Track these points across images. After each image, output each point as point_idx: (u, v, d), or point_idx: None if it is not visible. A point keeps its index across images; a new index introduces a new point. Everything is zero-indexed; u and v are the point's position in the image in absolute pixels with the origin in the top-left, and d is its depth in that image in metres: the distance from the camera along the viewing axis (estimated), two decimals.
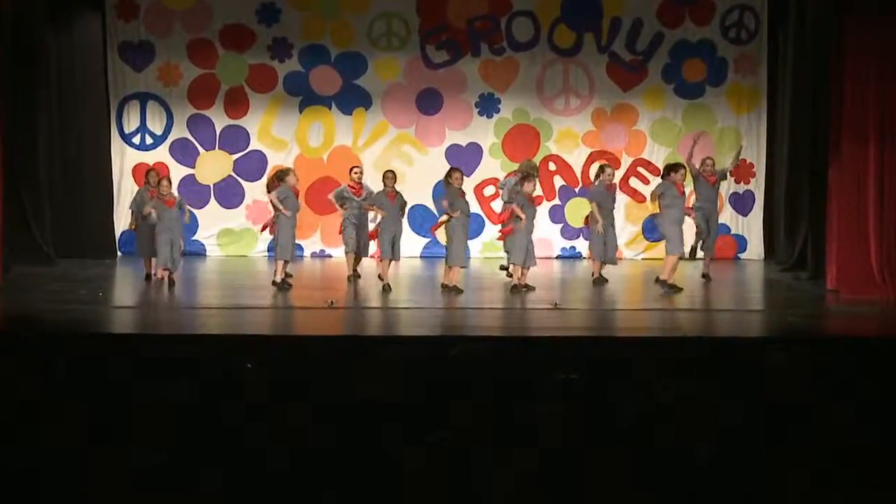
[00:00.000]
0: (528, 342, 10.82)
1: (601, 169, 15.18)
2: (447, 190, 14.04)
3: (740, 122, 18.41)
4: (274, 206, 14.20)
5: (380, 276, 14.12)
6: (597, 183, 15.09)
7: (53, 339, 10.19)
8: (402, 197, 14.61)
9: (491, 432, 6.21)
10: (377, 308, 13.23)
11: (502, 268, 15.35)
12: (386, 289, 13.88)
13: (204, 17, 18.04)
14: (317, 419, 6.33)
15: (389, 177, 14.52)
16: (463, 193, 14.06)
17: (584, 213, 17.28)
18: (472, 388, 6.82)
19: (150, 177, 15.43)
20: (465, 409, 6.44)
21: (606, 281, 14.82)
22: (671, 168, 14.48)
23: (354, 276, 15.04)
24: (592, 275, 14.97)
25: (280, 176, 14.46)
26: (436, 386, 6.88)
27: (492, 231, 17.51)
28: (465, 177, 14.48)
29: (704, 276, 15.30)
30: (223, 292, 14.90)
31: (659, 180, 17.76)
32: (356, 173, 15.29)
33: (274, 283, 14.14)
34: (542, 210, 17.57)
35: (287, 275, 14.32)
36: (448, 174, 14.13)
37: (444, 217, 14.03)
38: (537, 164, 17.12)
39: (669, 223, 14.13)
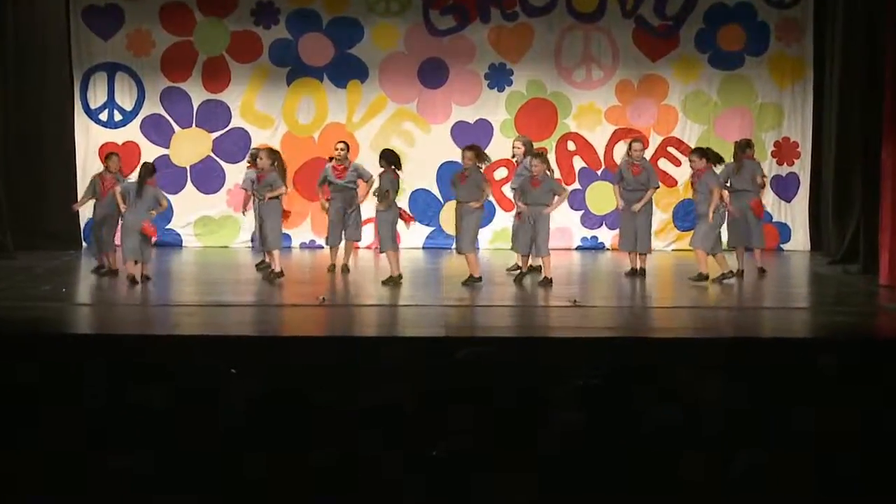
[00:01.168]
0: (543, 343, 10.85)
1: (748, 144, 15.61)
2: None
3: (783, 97, 18.40)
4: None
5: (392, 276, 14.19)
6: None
7: (11, 340, 10.22)
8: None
9: (502, 444, 6.25)
10: (374, 305, 13.27)
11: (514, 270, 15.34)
12: (386, 282, 14.06)
13: None
14: (305, 429, 6.38)
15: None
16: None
17: (607, 198, 17.32)
18: (480, 395, 6.86)
19: (111, 162, 15.28)
20: (473, 419, 6.48)
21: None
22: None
23: (342, 269, 15.25)
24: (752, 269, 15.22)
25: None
26: (440, 393, 6.92)
27: (504, 219, 17.53)
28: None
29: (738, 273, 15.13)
30: (202, 288, 14.94)
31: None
32: (339, 150, 15.46)
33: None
34: None
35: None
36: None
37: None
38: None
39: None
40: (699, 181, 14.46)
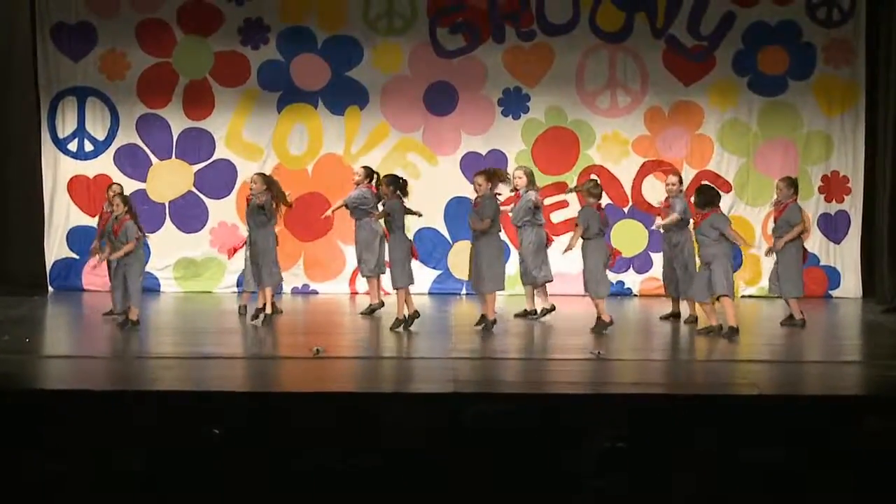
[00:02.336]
0: (562, 401, 10.87)
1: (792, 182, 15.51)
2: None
3: (832, 126, 18.31)
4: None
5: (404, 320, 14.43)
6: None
7: None
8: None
9: None
10: (375, 358, 13.30)
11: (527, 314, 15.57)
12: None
13: None
14: (300, 495, 6.43)
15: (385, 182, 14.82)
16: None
17: (635, 238, 17.45)
18: (492, 458, 6.90)
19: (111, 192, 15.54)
20: (485, 483, 6.53)
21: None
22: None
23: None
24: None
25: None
26: (448, 454, 6.96)
27: (516, 259, 17.54)
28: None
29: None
30: (183, 338, 14.96)
31: (729, 196, 17.84)
32: (357, 174, 16.05)
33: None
34: None
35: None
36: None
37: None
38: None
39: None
40: (706, 221, 14.21)
